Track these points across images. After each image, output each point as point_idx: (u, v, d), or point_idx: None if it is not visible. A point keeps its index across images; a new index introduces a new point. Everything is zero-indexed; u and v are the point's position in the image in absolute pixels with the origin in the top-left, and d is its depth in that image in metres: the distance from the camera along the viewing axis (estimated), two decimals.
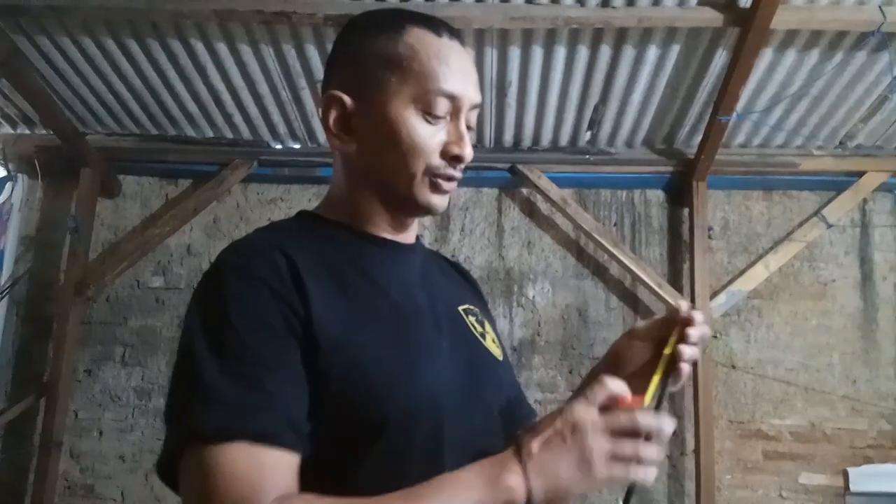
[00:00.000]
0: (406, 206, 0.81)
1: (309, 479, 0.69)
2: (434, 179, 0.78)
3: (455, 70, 0.77)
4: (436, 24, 0.79)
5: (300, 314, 0.70)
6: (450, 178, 0.79)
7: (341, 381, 0.70)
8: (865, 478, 2.80)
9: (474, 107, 0.80)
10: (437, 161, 0.78)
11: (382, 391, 0.71)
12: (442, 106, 0.77)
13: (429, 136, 0.77)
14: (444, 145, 0.78)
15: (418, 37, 0.77)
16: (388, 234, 0.82)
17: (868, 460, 2.85)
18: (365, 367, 0.71)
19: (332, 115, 0.79)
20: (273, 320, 0.68)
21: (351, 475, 0.70)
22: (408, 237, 0.85)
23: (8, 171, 3.11)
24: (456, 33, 0.80)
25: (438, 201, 0.80)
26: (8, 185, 3.08)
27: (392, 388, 0.71)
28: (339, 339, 0.70)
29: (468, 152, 0.78)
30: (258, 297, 0.69)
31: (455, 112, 0.78)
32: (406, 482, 0.68)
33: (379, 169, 0.79)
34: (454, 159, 0.78)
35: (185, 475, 0.64)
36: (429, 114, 0.77)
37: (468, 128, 0.80)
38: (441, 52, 0.77)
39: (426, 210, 0.80)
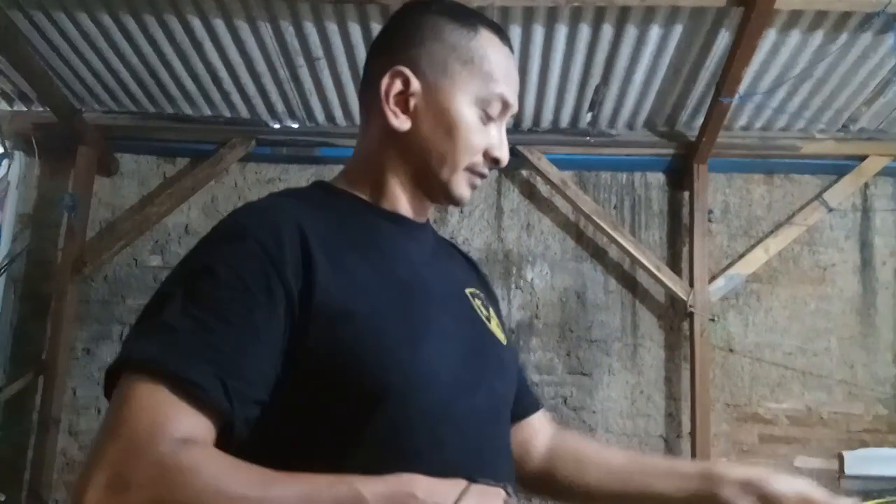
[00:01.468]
0: (436, 193, 0.84)
1: (305, 455, 0.69)
2: (471, 175, 0.83)
3: (512, 81, 0.84)
4: (501, 32, 0.85)
5: (297, 285, 0.69)
6: (482, 176, 0.84)
7: (344, 350, 0.69)
8: (861, 461, 2.81)
9: (513, 114, 0.85)
10: (479, 160, 0.82)
11: (383, 361, 0.70)
12: (497, 109, 0.82)
13: (480, 136, 0.82)
14: (488, 147, 0.82)
15: (489, 40, 0.83)
16: (404, 212, 0.83)
17: (864, 444, 2.86)
18: (368, 337, 0.70)
19: (394, 90, 0.80)
20: (255, 285, 0.68)
21: (349, 449, 0.69)
22: (421, 216, 0.86)
23: (5, 148, 3.10)
24: (511, 44, 0.87)
25: (468, 195, 0.85)
26: (5, 163, 3.06)
27: (393, 359, 0.71)
28: (343, 309, 0.70)
29: (507, 156, 0.84)
30: (249, 259, 0.69)
31: (501, 118, 0.83)
32: (405, 458, 0.68)
33: (427, 154, 0.81)
34: (493, 161, 0.83)
35: (111, 396, 0.65)
36: (486, 114, 0.82)
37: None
38: (505, 59, 0.84)
39: (455, 201, 0.85)
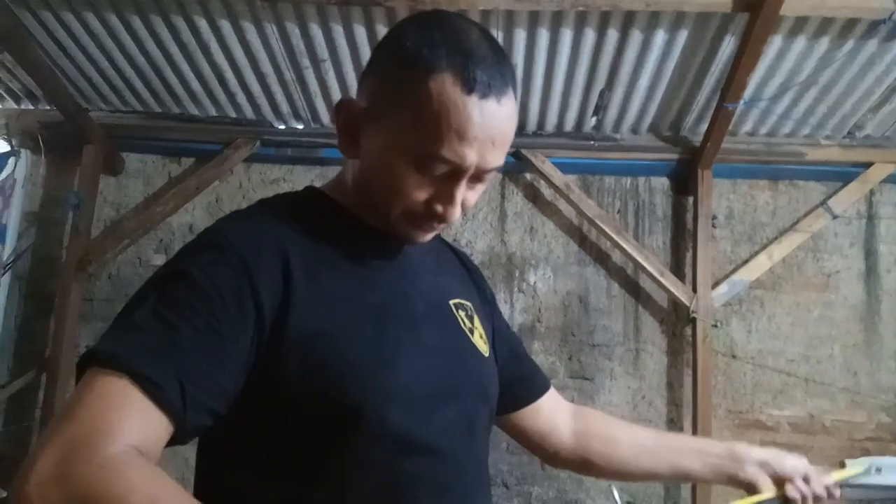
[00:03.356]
0: (388, 228, 0.80)
1: (280, 471, 0.70)
2: (413, 222, 0.77)
3: (469, 138, 0.70)
4: (470, 77, 0.69)
5: (273, 304, 0.69)
6: (430, 226, 0.78)
7: (317, 369, 0.70)
8: None
9: (486, 171, 0.74)
10: (418, 209, 0.76)
11: (358, 380, 0.71)
12: (439, 168, 0.73)
13: (416, 187, 0.74)
14: (431, 199, 0.75)
15: (442, 88, 0.69)
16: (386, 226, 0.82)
17: (866, 452, 2.85)
18: (343, 356, 0.71)
19: (341, 120, 0.78)
20: (228, 296, 0.68)
21: (323, 465, 0.70)
22: None
23: (11, 146, 3.11)
24: (495, 86, 0.71)
25: (418, 236, 0.79)
26: (11, 161, 3.07)
27: (367, 378, 0.72)
28: (319, 329, 0.71)
29: (452, 215, 0.75)
30: (227, 271, 0.69)
31: (454, 175, 0.73)
32: (378, 473, 0.70)
33: (368, 189, 0.79)
34: (437, 216, 0.76)
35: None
36: (422, 171, 0.73)
37: (478, 180, 0.76)
38: (459, 115, 0.69)
39: (405, 241, 0.80)
